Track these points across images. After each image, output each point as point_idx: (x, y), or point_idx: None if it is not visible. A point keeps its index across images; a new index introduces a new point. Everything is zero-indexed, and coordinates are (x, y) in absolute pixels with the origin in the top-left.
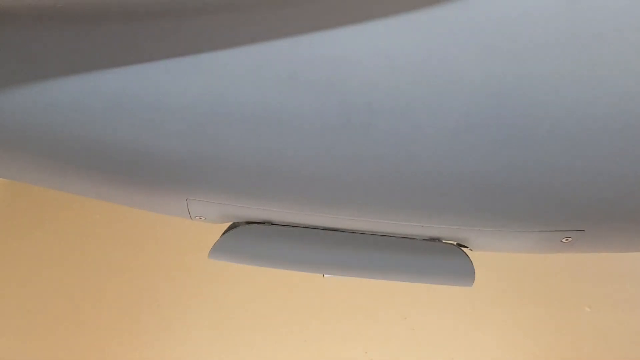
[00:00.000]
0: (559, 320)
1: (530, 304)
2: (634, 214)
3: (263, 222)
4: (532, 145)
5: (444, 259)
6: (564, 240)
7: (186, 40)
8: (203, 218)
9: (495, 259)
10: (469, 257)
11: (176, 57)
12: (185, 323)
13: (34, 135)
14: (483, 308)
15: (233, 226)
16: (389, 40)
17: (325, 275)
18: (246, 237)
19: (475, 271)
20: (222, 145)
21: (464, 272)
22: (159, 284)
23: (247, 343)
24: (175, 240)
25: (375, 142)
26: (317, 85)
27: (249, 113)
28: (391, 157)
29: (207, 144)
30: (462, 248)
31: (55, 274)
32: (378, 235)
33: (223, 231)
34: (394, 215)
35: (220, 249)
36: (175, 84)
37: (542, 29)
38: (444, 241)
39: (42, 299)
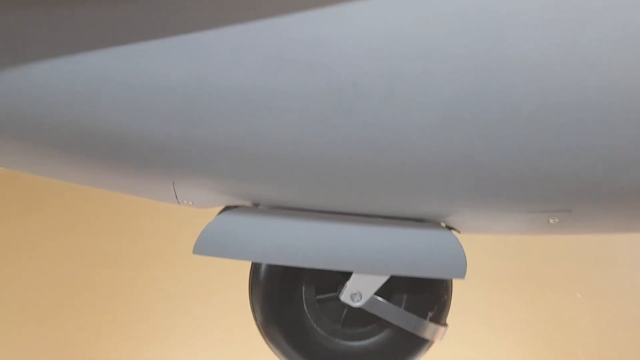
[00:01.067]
0: (551, 306)
1: (522, 290)
2: (620, 194)
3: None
4: (517, 125)
5: (433, 245)
6: (551, 220)
7: (170, 22)
8: (191, 202)
9: (486, 245)
10: (460, 244)
11: (159, 38)
12: (175, 309)
13: (17, 120)
14: (474, 293)
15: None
16: (373, 20)
17: None
18: (231, 226)
19: (467, 257)
20: (207, 127)
21: (455, 261)
22: (149, 272)
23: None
24: (165, 229)
25: (361, 123)
26: (301, 66)
27: (233, 95)
28: (377, 137)
29: (192, 126)
30: (452, 231)
31: (45, 263)
32: (365, 216)
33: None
34: (381, 195)
35: (203, 243)
36: (159, 66)
37: (526, 8)
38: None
39: (31, 287)
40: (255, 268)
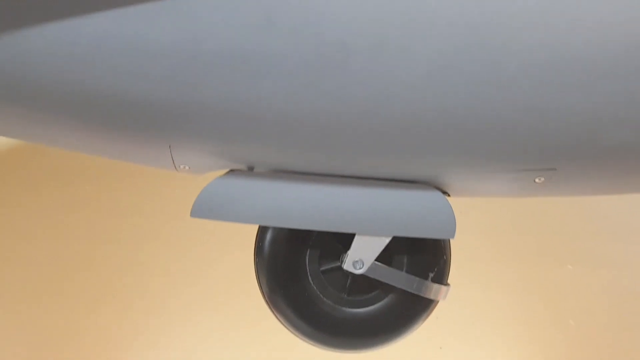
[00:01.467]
0: (542, 278)
1: (514, 262)
2: (604, 153)
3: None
4: (503, 83)
5: (423, 206)
6: (536, 179)
7: None
8: (187, 167)
9: (477, 217)
10: (449, 204)
11: (153, 1)
12: (173, 289)
13: (14, 85)
14: (466, 265)
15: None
16: None
17: None
18: (227, 189)
19: (457, 230)
20: (201, 89)
21: (445, 221)
22: (148, 251)
23: (242, 310)
24: (164, 209)
25: (351, 81)
26: (291, 25)
27: (225, 57)
28: (367, 95)
29: (186, 87)
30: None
31: (45, 244)
32: (357, 178)
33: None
34: (372, 155)
35: (200, 206)
36: (153, 28)
37: None
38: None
39: (31, 267)
40: (259, 245)
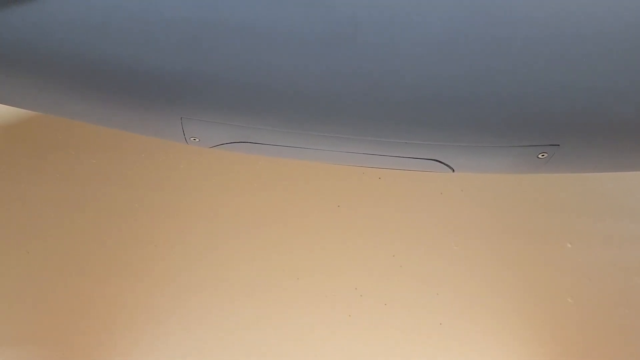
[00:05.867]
0: (541, 256)
1: (513, 241)
2: (606, 128)
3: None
4: (508, 56)
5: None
6: (539, 156)
7: None
8: (197, 139)
9: (477, 194)
10: None
11: None
12: (183, 264)
13: (27, 55)
14: (466, 244)
15: None
16: None
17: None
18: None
19: (458, 207)
20: (213, 60)
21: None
22: (157, 225)
23: (239, 279)
24: (173, 185)
25: (360, 55)
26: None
27: (237, 27)
28: (375, 70)
29: (198, 59)
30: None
31: (52, 219)
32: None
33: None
34: (377, 130)
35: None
36: None
37: None
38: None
39: (39, 242)
40: None
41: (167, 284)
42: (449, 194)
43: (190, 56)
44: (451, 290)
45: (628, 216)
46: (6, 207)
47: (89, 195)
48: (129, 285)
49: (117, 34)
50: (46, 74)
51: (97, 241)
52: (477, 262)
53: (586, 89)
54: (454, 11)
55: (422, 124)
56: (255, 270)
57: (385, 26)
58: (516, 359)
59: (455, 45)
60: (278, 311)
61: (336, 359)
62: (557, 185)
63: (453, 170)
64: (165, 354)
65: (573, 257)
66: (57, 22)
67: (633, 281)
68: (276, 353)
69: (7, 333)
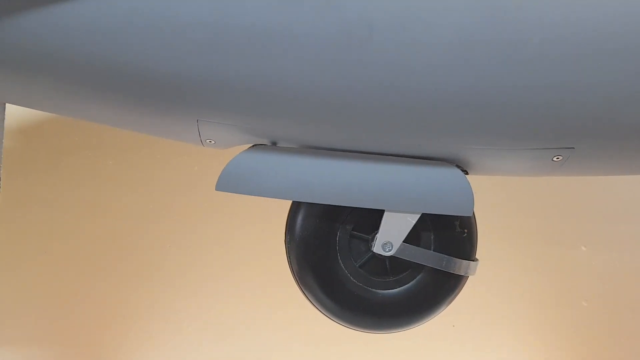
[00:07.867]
0: (556, 259)
1: (528, 244)
2: (621, 132)
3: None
4: (523, 61)
5: (442, 183)
6: (554, 158)
7: None
8: (213, 142)
9: (491, 198)
10: (467, 181)
11: None
12: (195, 265)
13: (47, 58)
14: (480, 246)
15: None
16: None
17: None
18: (252, 163)
19: (474, 211)
20: (229, 63)
21: (463, 198)
22: (171, 227)
23: (250, 278)
24: (186, 185)
25: (375, 58)
26: (316, 1)
27: (253, 31)
28: (390, 72)
29: (215, 62)
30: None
31: (68, 219)
32: (378, 154)
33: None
34: (393, 132)
35: (225, 180)
36: (182, 3)
37: None
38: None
39: (54, 242)
40: (290, 223)
41: (183, 285)
42: None
43: (206, 59)
44: (464, 292)
45: None
46: (23, 209)
47: (105, 196)
48: (144, 286)
49: (134, 38)
50: (65, 77)
51: (113, 242)
52: (491, 264)
53: (600, 92)
54: (469, 14)
55: (437, 127)
56: (262, 269)
57: (400, 28)
58: None
59: (470, 48)
60: (285, 312)
61: None
62: (572, 188)
63: (467, 173)
64: (181, 355)
65: (588, 260)
66: (76, 27)
67: None
68: (285, 354)
69: (24, 333)
